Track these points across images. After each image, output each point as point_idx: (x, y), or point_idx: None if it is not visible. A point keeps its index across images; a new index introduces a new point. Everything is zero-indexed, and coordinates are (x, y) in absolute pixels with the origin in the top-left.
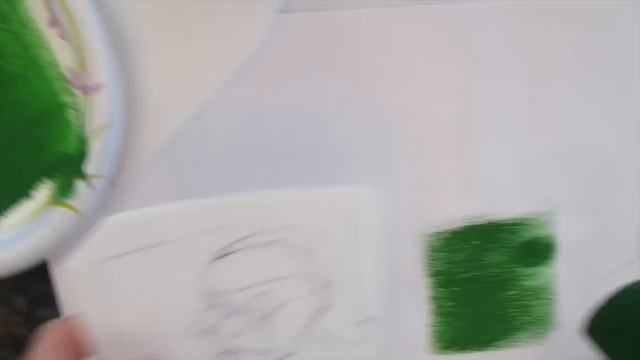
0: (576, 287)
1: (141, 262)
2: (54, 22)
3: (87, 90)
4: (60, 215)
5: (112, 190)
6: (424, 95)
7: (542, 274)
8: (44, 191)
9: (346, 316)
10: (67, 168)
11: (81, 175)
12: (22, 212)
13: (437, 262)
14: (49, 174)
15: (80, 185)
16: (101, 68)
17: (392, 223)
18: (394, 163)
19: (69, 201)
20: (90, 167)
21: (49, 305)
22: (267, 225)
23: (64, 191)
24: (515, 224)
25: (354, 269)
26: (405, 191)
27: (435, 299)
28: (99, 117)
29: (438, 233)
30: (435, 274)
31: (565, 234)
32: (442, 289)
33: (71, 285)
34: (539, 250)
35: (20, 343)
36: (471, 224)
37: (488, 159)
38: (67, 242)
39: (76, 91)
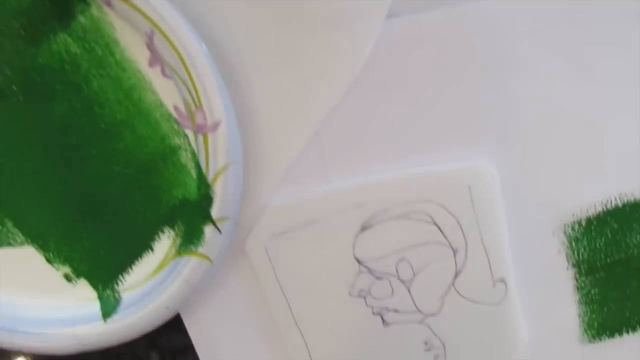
0: None
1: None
2: (156, 61)
3: (202, 130)
4: (189, 265)
5: (236, 230)
6: (545, 80)
7: None
8: (166, 242)
9: (478, 278)
10: (188, 214)
11: (206, 220)
12: (146, 265)
13: (578, 251)
14: (169, 222)
15: (207, 230)
16: (216, 104)
17: (528, 217)
18: (523, 154)
19: (196, 248)
20: (215, 210)
21: (184, 358)
22: (400, 200)
23: (190, 238)
24: None
25: (478, 235)
26: (537, 183)
27: (581, 288)
28: (219, 157)
29: (576, 222)
30: (577, 263)
31: None
32: (586, 277)
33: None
34: None
35: None
36: (608, 207)
37: (617, 134)
38: (199, 291)
39: (188, 132)
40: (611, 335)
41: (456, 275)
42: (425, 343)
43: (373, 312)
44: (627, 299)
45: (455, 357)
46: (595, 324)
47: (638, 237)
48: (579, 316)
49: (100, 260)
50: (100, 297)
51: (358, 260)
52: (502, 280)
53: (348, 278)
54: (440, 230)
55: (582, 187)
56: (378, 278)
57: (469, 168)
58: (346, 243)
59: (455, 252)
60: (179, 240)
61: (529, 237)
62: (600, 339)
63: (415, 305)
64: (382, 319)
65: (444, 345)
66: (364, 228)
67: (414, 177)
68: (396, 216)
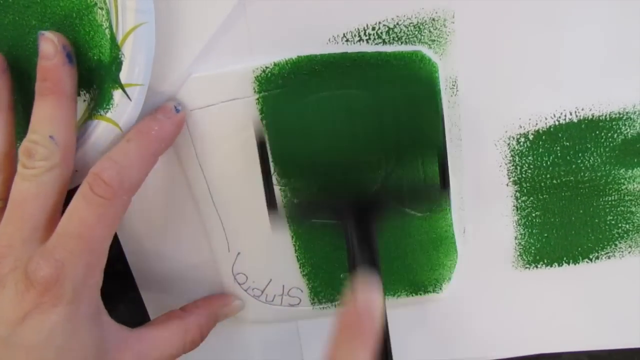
0: None
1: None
2: None
3: None
4: (97, 129)
5: (153, 100)
6: None
7: None
8: (82, 105)
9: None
10: (101, 77)
11: (114, 84)
12: None
13: (522, 167)
14: (85, 84)
15: (115, 95)
16: None
17: (471, 124)
18: (468, 54)
19: (105, 113)
20: (124, 74)
21: None
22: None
23: (101, 103)
24: (615, 119)
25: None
26: (484, 85)
27: (520, 208)
28: (128, 17)
29: (522, 134)
30: (519, 180)
31: None
32: (527, 198)
33: None
34: None
35: None
36: (561, 122)
37: (581, 44)
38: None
39: None
40: (549, 264)
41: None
42: None
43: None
44: (571, 227)
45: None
46: (533, 250)
47: (591, 158)
48: (515, 238)
49: (14, 115)
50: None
51: None
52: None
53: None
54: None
55: (533, 96)
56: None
57: (410, 54)
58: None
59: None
60: (92, 104)
61: (469, 146)
62: (537, 267)
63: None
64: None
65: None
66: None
67: (346, 59)
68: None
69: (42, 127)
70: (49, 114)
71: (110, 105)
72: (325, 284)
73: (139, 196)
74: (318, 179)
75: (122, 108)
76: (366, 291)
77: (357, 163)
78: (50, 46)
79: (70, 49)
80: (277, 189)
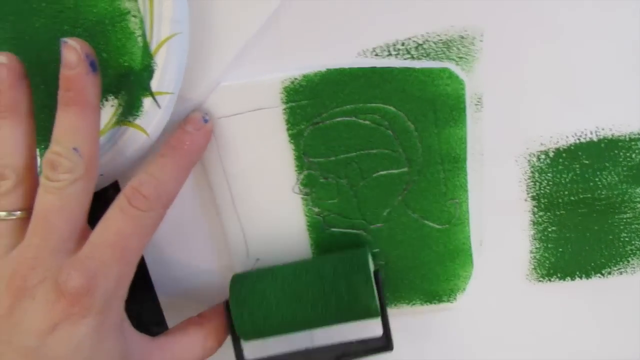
0: None
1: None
2: None
3: None
4: (125, 135)
5: (182, 107)
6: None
7: None
8: (109, 109)
9: (430, 194)
10: (131, 84)
11: (145, 91)
12: None
13: (541, 183)
14: (113, 90)
15: (145, 102)
16: None
17: (493, 140)
18: (495, 72)
19: (133, 120)
20: (155, 82)
21: None
22: (357, 97)
23: (130, 109)
24: (634, 140)
25: (437, 146)
26: (508, 103)
27: (537, 223)
28: (163, 26)
29: (543, 152)
30: (538, 196)
31: None
32: (544, 213)
33: None
34: None
35: None
36: (582, 141)
37: (600, 65)
38: (135, 162)
39: None
40: (562, 278)
41: (406, 187)
42: None
43: (315, 213)
44: (585, 243)
45: (396, 272)
46: (547, 264)
47: (609, 177)
48: (530, 252)
49: (43, 119)
50: (40, 156)
51: (306, 155)
52: (455, 201)
53: (293, 173)
54: (396, 137)
55: (556, 115)
56: (324, 178)
57: (438, 71)
58: (295, 134)
59: (409, 162)
60: (120, 110)
61: (490, 160)
62: (550, 280)
63: (360, 211)
64: (324, 220)
65: (386, 258)
66: (314, 123)
67: (376, 74)
68: (350, 114)
69: (66, 139)
70: (73, 124)
71: (140, 112)
72: None
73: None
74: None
75: (151, 115)
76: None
77: (307, 327)
78: (73, 54)
79: (93, 57)
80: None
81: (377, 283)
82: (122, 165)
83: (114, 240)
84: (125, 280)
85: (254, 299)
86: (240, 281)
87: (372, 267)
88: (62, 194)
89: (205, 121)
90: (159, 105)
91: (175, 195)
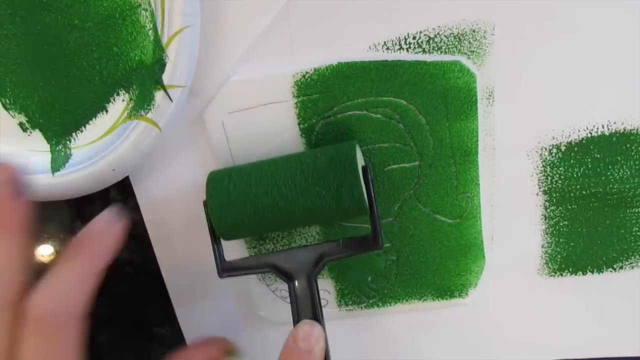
0: None
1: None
2: None
3: None
4: (138, 129)
5: (192, 101)
6: None
7: None
8: (120, 104)
9: (441, 188)
10: (143, 78)
11: (157, 85)
12: (98, 126)
13: (552, 178)
14: (124, 84)
15: (157, 96)
16: None
17: (504, 134)
18: (506, 65)
19: (145, 113)
20: (167, 75)
21: None
22: (368, 91)
23: (141, 103)
24: None
25: (448, 140)
26: (519, 97)
27: (549, 217)
28: (174, 19)
29: (555, 146)
30: (549, 190)
31: None
32: (556, 207)
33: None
34: None
35: None
36: (593, 135)
37: (615, 60)
38: (147, 157)
39: None
40: (574, 272)
41: (418, 181)
42: None
43: None
44: (597, 237)
45: (408, 267)
46: (559, 258)
47: (621, 171)
48: (542, 247)
49: (55, 114)
50: (52, 151)
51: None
52: (466, 195)
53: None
54: (407, 130)
55: (567, 109)
56: None
57: (449, 64)
58: (307, 128)
59: (420, 156)
60: (131, 104)
61: (502, 155)
62: (562, 275)
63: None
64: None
65: (397, 253)
66: (326, 117)
67: (387, 67)
68: (361, 108)
69: None
70: None
71: (152, 106)
72: (352, 287)
73: (171, 200)
74: (261, 238)
75: (163, 109)
76: (306, 327)
77: (289, 225)
78: None
79: (19, 182)
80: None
81: (365, 178)
82: (133, 159)
83: None
84: None
85: (233, 195)
86: (217, 177)
87: (360, 162)
88: None
89: (117, 220)
90: (171, 99)
91: (86, 303)
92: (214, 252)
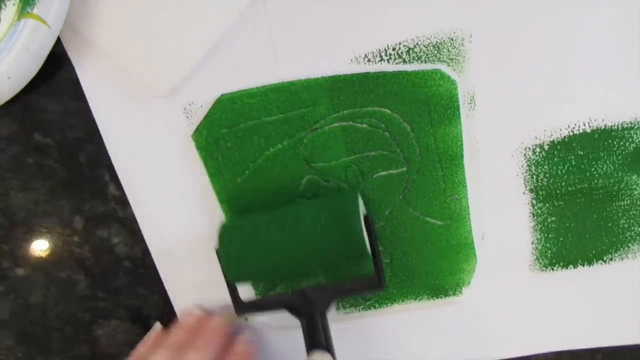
0: None
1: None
2: None
3: None
4: (27, 30)
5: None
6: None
7: None
8: (10, 8)
9: (429, 192)
10: None
11: None
12: None
13: (537, 176)
14: None
15: None
16: None
17: (488, 136)
18: (485, 71)
19: (32, 9)
20: None
21: (106, 226)
22: (352, 102)
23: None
24: (627, 128)
25: (433, 146)
26: (501, 100)
27: (537, 215)
28: None
29: (538, 145)
30: (535, 188)
31: None
32: (543, 205)
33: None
34: None
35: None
36: (575, 132)
37: (592, 59)
38: (40, 60)
39: None
40: (564, 266)
41: (406, 186)
42: None
43: None
44: (585, 231)
45: (402, 269)
46: (549, 253)
47: (605, 166)
48: (532, 243)
49: None
50: None
51: (306, 162)
52: (455, 197)
53: (295, 178)
54: (393, 138)
55: (548, 109)
56: (326, 181)
57: (430, 72)
58: (295, 142)
59: (407, 162)
60: (20, 5)
61: (487, 156)
62: (553, 269)
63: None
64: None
65: (390, 256)
66: (313, 129)
67: (369, 79)
68: (347, 119)
69: None
70: None
71: (36, 1)
72: None
73: (166, 198)
74: (272, 280)
75: (48, 2)
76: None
77: (298, 269)
78: None
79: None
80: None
81: (367, 227)
82: (27, 64)
83: None
84: None
85: (243, 244)
86: (228, 227)
87: (362, 211)
88: None
89: None
90: None
91: None
92: (231, 294)
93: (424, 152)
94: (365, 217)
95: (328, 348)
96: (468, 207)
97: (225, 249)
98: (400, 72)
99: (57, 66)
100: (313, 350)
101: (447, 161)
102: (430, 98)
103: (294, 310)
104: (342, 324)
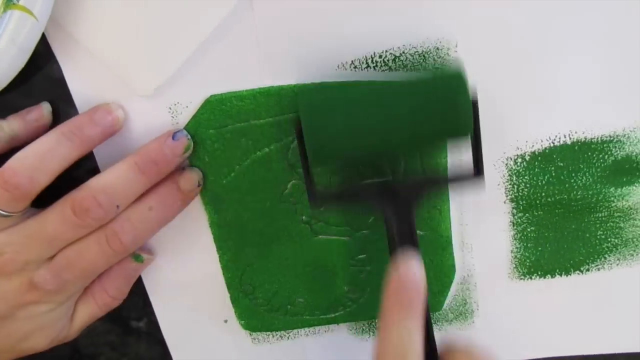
0: None
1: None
2: None
3: None
4: (14, 21)
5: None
6: (500, 2)
7: (635, 193)
8: None
9: None
10: None
11: None
12: None
13: (518, 186)
14: None
15: None
16: None
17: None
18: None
19: (19, 1)
20: None
21: None
22: None
23: None
24: (606, 142)
25: None
26: (482, 112)
27: (517, 224)
28: None
29: (519, 156)
30: (516, 198)
31: None
32: (523, 214)
33: None
34: (632, 169)
35: None
36: (555, 144)
37: (574, 73)
38: (27, 53)
39: None
40: (543, 276)
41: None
42: (352, 259)
43: (302, 221)
44: (563, 241)
45: (382, 277)
46: (528, 262)
47: (584, 178)
48: (511, 252)
49: None
50: None
51: (292, 166)
52: (437, 208)
53: (280, 183)
54: None
55: (530, 120)
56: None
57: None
58: (283, 146)
59: (392, 171)
60: None
61: (469, 164)
62: (531, 278)
63: (345, 219)
64: (311, 228)
65: (371, 264)
66: (300, 136)
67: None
68: None
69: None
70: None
71: None
72: (327, 296)
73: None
74: (355, 165)
75: None
76: (409, 264)
77: (392, 150)
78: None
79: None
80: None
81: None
82: (13, 56)
83: (85, 266)
84: (84, 285)
85: (332, 116)
86: (311, 95)
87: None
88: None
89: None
90: None
91: (147, 240)
92: (306, 179)
93: (408, 163)
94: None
95: (416, 245)
96: (450, 216)
97: (307, 119)
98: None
99: (35, 64)
100: (403, 246)
101: (430, 172)
102: None
103: (381, 199)
104: (322, 340)
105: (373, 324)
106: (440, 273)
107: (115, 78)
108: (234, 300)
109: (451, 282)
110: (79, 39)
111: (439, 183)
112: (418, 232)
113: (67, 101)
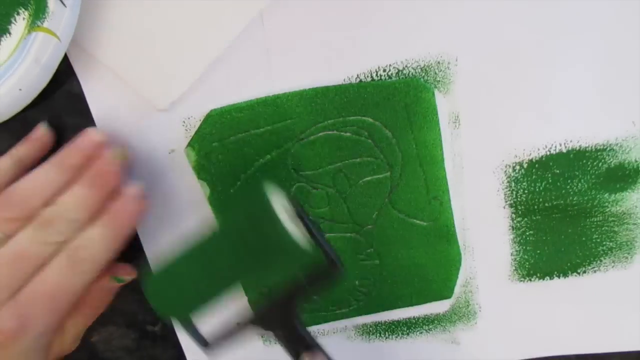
0: None
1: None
2: None
3: None
4: (38, 42)
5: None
6: (498, 18)
7: (628, 199)
8: (21, 23)
9: (413, 194)
10: None
11: None
12: (3, 50)
13: (517, 192)
14: (22, 1)
15: (50, 3)
16: None
17: (471, 154)
18: (469, 92)
19: (42, 23)
20: None
21: None
22: (337, 113)
23: (37, 13)
24: (600, 150)
25: (414, 153)
26: (484, 119)
27: (516, 228)
28: None
29: (518, 163)
30: (515, 204)
31: None
32: (522, 219)
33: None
34: (625, 176)
35: None
36: (552, 152)
37: (569, 85)
38: (50, 71)
39: None
40: (541, 277)
41: (391, 190)
42: (360, 254)
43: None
44: (561, 244)
45: (391, 269)
46: (527, 265)
47: (579, 184)
48: (511, 255)
49: None
50: None
51: (295, 170)
52: (437, 199)
53: (285, 187)
54: (376, 145)
55: (528, 129)
56: (314, 188)
57: (407, 81)
58: (283, 152)
59: (390, 167)
60: (30, 19)
61: (470, 172)
62: (530, 280)
63: (351, 216)
64: (319, 227)
65: (379, 256)
66: (300, 139)
67: (350, 90)
68: (332, 128)
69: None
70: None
71: (47, 14)
72: (341, 291)
73: (166, 209)
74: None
75: (58, 16)
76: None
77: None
78: None
79: None
80: None
81: (302, 219)
82: (37, 75)
83: (51, 292)
84: (55, 322)
85: (170, 280)
86: (151, 274)
87: (282, 202)
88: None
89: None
90: (64, 4)
91: (109, 259)
92: (189, 333)
93: (405, 157)
94: (299, 212)
95: (314, 348)
96: (451, 208)
97: (152, 292)
98: (379, 83)
99: (56, 83)
100: (303, 353)
101: (428, 165)
102: (410, 106)
103: (262, 329)
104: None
105: (379, 325)
106: (445, 261)
107: (131, 94)
108: (252, 302)
109: (458, 269)
110: (98, 57)
111: (303, 292)
112: (421, 222)
113: (86, 116)
